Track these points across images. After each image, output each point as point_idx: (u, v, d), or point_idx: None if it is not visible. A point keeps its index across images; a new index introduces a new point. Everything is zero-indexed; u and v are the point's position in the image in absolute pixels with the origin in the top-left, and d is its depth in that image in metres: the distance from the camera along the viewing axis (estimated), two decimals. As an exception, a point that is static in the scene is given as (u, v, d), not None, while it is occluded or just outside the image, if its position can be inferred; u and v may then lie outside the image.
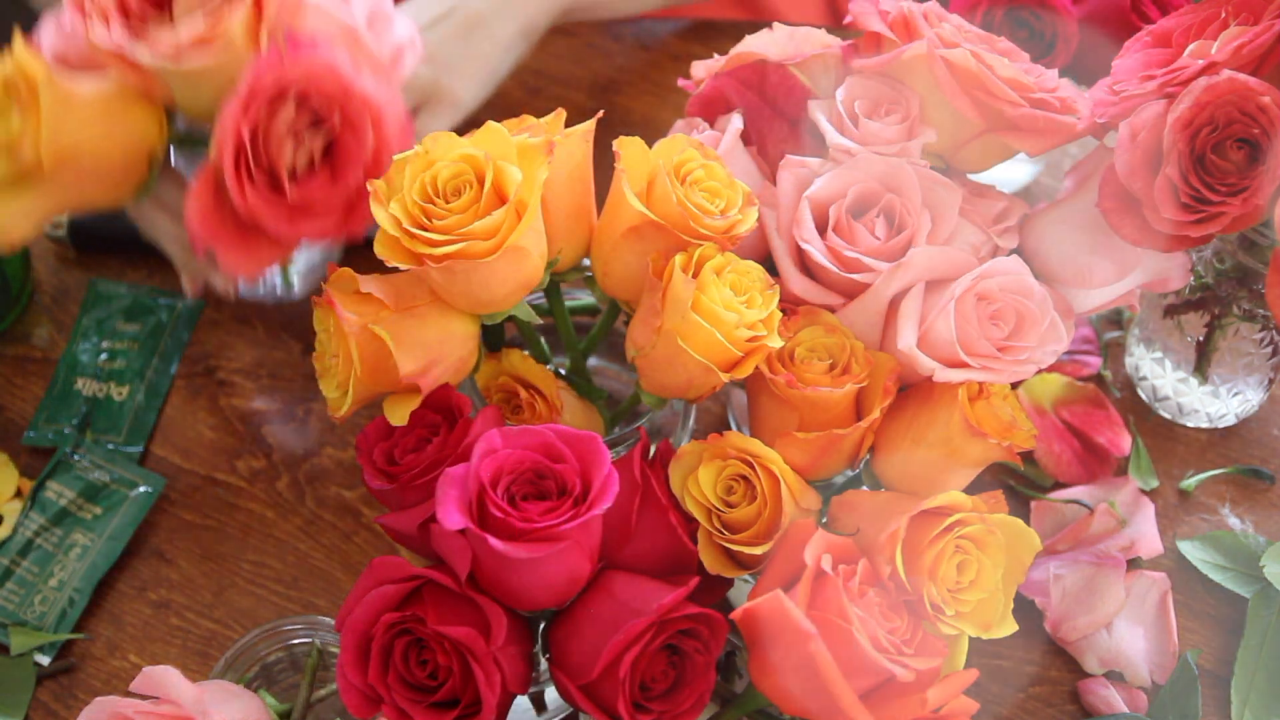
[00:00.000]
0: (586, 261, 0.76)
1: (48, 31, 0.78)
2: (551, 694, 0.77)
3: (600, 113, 0.79)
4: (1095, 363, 0.98)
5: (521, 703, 0.77)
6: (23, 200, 0.74)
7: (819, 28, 0.80)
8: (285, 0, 0.72)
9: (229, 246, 0.74)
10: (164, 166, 0.80)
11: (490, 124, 0.69)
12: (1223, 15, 0.74)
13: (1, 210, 0.74)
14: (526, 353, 0.76)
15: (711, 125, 0.78)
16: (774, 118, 0.77)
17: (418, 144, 0.68)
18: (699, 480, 0.69)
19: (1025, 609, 0.85)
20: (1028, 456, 0.92)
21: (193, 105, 0.75)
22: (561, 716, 0.78)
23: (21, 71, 0.71)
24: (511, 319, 0.73)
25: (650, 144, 0.72)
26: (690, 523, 0.70)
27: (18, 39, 0.72)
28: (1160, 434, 0.95)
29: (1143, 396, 0.96)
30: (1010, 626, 0.68)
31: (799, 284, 0.73)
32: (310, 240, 0.74)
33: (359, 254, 0.92)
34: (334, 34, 0.74)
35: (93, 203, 0.78)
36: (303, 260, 0.99)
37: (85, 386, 0.97)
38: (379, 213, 0.68)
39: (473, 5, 0.99)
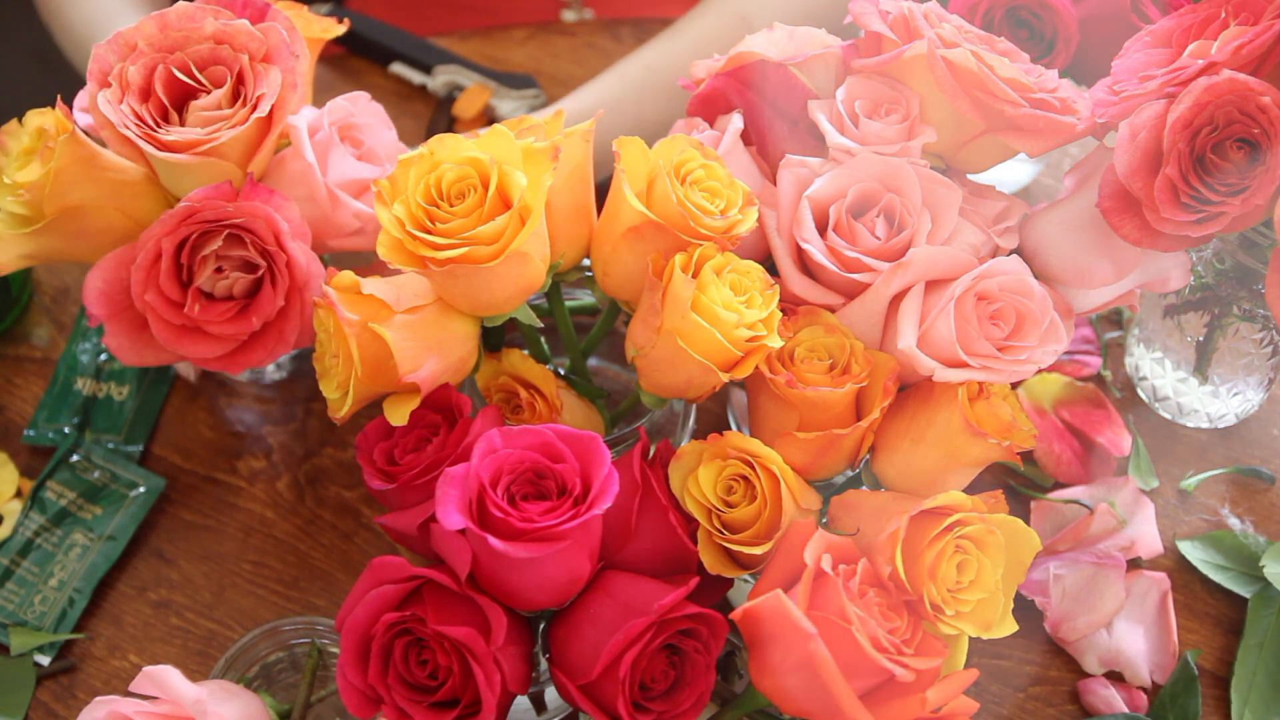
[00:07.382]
0: (587, 261, 0.76)
1: (84, 99, 0.82)
2: (551, 694, 0.77)
3: (600, 112, 0.79)
4: (1095, 363, 0.97)
5: (521, 703, 0.77)
6: (18, 241, 0.78)
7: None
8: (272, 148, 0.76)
9: (118, 329, 0.78)
10: None
11: (495, 126, 0.69)
12: (1223, 15, 0.74)
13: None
14: (526, 353, 0.76)
15: (711, 125, 0.78)
16: (774, 118, 0.77)
17: None
18: (699, 480, 0.69)
19: (1025, 609, 0.85)
20: (1028, 456, 0.92)
21: (176, 192, 0.78)
22: (561, 716, 0.78)
23: (55, 125, 0.76)
24: (512, 320, 0.73)
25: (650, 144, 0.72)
26: (690, 523, 0.70)
27: (59, 101, 0.77)
28: (1160, 434, 0.95)
29: (1143, 396, 0.96)
30: (1010, 626, 0.68)
31: (799, 284, 0.73)
32: (192, 358, 0.77)
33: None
34: (300, 192, 0.78)
35: (84, 258, 0.80)
36: None
37: (85, 386, 0.97)
38: (382, 213, 0.67)
39: None
